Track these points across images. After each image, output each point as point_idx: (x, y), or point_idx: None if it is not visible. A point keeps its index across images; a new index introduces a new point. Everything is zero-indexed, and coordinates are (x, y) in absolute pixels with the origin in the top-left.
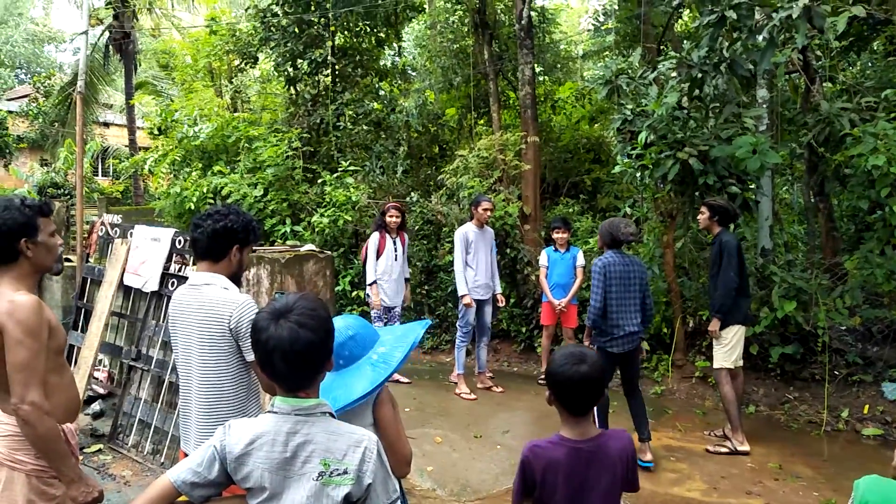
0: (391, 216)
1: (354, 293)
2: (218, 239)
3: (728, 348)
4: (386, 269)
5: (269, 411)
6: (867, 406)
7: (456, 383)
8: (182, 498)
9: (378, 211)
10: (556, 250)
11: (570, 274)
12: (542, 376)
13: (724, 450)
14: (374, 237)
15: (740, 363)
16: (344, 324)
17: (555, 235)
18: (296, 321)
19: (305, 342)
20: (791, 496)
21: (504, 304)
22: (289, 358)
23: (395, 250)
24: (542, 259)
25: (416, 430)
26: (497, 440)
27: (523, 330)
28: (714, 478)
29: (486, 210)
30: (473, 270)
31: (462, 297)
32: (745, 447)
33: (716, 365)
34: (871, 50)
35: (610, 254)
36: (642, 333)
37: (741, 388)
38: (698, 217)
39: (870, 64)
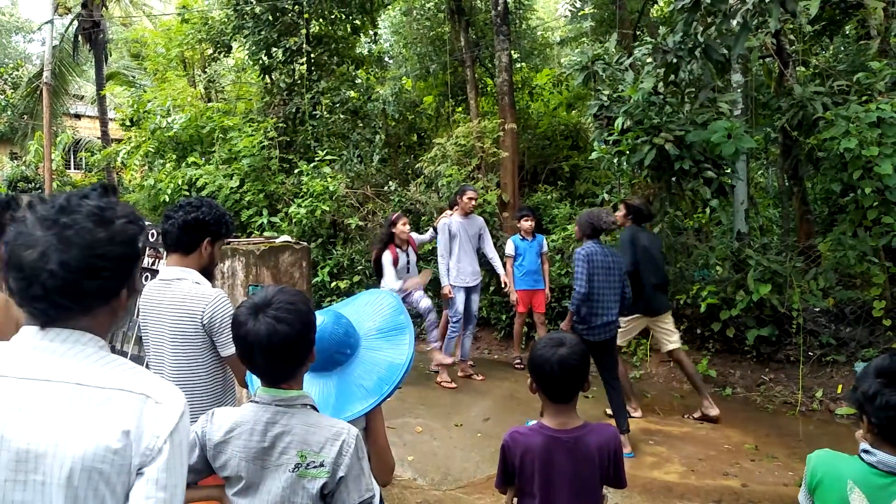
0: (404, 224)
1: (333, 284)
2: (189, 231)
3: (675, 333)
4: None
5: (250, 401)
6: (841, 386)
7: (437, 371)
8: None
9: (384, 222)
10: (523, 239)
11: (538, 260)
12: (517, 360)
13: (696, 415)
14: (388, 256)
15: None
16: (334, 320)
17: (525, 223)
18: (273, 316)
19: (282, 337)
20: (767, 476)
21: (508, 285)
22: (267, 352)
23: (409, 262)
24: (509, 248)
25: (396, 419)
26: (478, 428)
27: (503, 317)
28: (692, 460)
29: (470, 199)
30: (458, 260)
31: (442, 287)
32: (715, 411)
33: (671, 348)
34: (844, 34)
35: (591, 244)
36: (619, 323)
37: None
38: (615, 213)
39: (842, 48)
